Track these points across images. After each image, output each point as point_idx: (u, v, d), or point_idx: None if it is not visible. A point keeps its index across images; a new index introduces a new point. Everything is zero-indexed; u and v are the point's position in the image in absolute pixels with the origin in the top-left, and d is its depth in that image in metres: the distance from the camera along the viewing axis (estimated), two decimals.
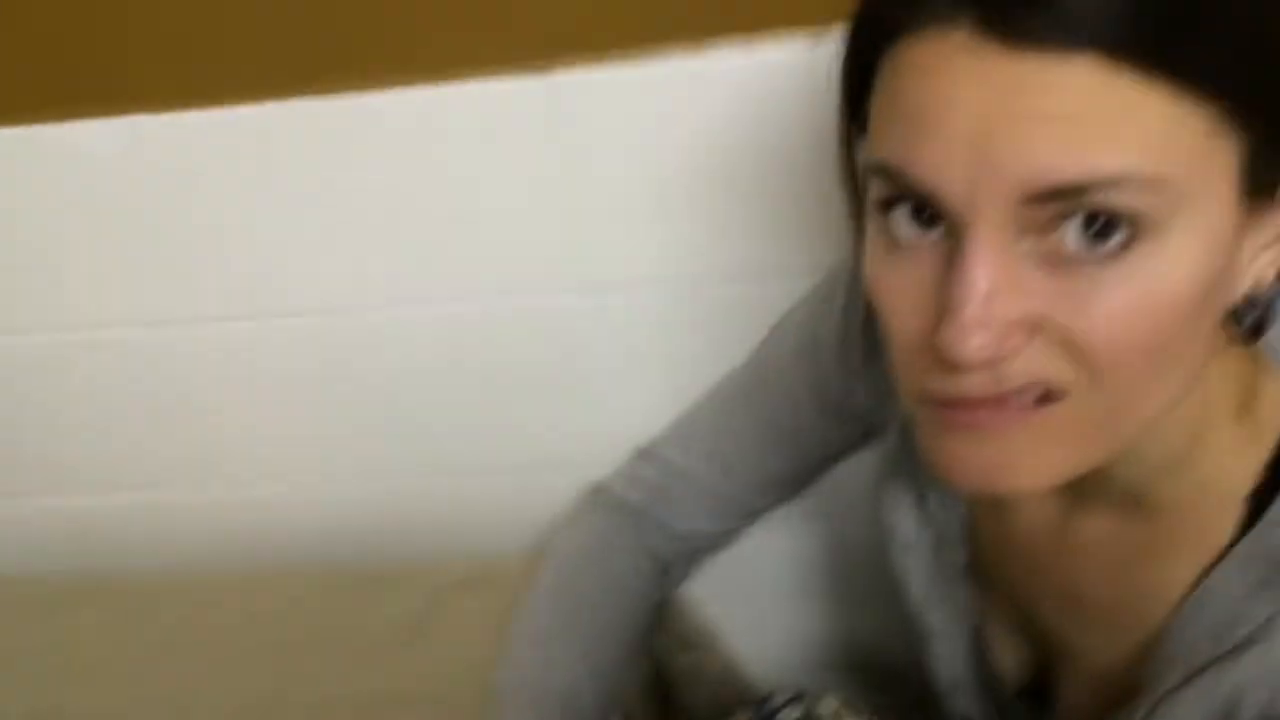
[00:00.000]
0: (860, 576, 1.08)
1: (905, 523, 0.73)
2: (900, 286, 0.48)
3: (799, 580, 1.10)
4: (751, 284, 0.90)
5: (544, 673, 0.77)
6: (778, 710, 0.63)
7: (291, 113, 0.85)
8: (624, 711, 0.81)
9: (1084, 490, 0.60)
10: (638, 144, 0.85)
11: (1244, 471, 0.55)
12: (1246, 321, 0.50)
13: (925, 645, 0.74)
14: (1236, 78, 0.42)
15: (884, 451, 0.75)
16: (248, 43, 0.84)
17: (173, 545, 1.05)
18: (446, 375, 0.97)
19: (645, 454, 0.89)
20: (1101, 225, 0.43)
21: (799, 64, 0.80)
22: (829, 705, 0.63)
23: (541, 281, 0.92)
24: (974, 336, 0.43)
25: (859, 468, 0.97)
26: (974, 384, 0.46)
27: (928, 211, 0.46)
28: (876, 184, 0.48)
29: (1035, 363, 0.45)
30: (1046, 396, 0.46)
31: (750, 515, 0.87)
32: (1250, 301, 0.49)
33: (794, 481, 0.86)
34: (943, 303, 0.45)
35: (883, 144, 0.47)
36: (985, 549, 0.70)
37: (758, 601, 1.10)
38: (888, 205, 0.47)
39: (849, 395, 0.77)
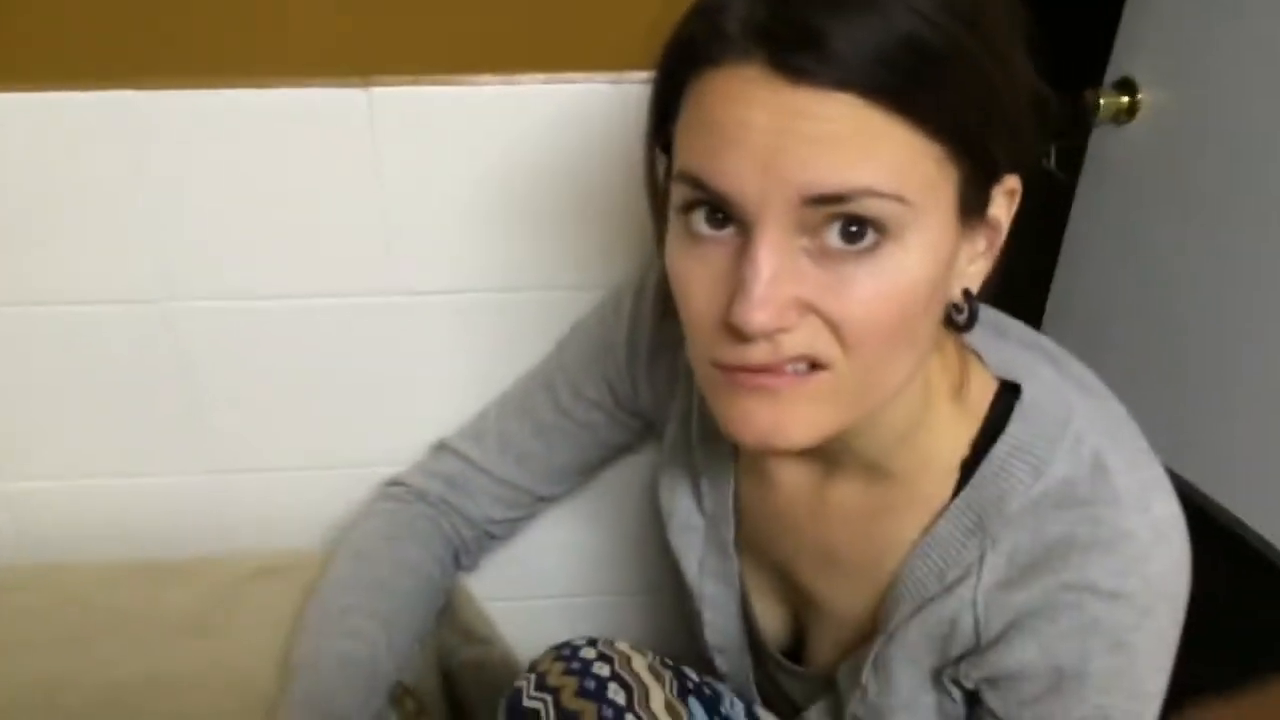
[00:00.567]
0: (627, 573, 1.17)
1: (682, 504, 0.83)
2: (698, 274, 0.57)
3: (572, 579, 1.17)
4: (545, 294, 0.97)
5: (346, 642, 0.81)
6: (579, 648, 0.71)
7: (116, 103, 0.86)
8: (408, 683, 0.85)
9: (834, 461, 0.71)
10: (449, 161, 0.91)
11: (957, 444, 0.68)
12: (961, 316, 0.62)
13: (698, 614, 0.84)
14: (955, 128, 0.54)
15: (664, 443, 0.85)
16: (94, 31, 0.85)
17: None
18: (250, 370, 0.98)
19: (442, 447, 0.95)
20: (857, 229, 0.54)
21: (596, 100, 0.89)
22: (623, 644, 0.71)
23: (349, 284, 0.95)
24: (759, 311, 0.53)
25: (630, 477, 1.08)
26: (758, 353, 0.56)
27: (721, 213, 0.56)
28: (680, 189, 0.57)
29: (805, 337, 0.56)
30: (814, 365, 0.57)
31: (539, 502, 0.95)
32: (965, 299, 0.62)
33: (580, 472, 0.94)
34: (734, 286, 0.55)
35: (688, 157, 0.56)
36: (751, 523, 0.80)
37: (536, 599, 1.17)
38: (689, 208, 0.57)
39: (634, 394, 0.87)
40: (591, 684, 0.68)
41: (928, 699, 0.70)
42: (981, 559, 0.65)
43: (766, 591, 0.82)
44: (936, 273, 0.57)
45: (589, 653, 0.70)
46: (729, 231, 0.56)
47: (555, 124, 0.90)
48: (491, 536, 0.96)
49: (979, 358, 0.70)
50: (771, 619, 0.83)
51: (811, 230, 0.54)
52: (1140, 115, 1.26)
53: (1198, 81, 1.18)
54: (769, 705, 0.85)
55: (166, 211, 0.91)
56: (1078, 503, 0.63)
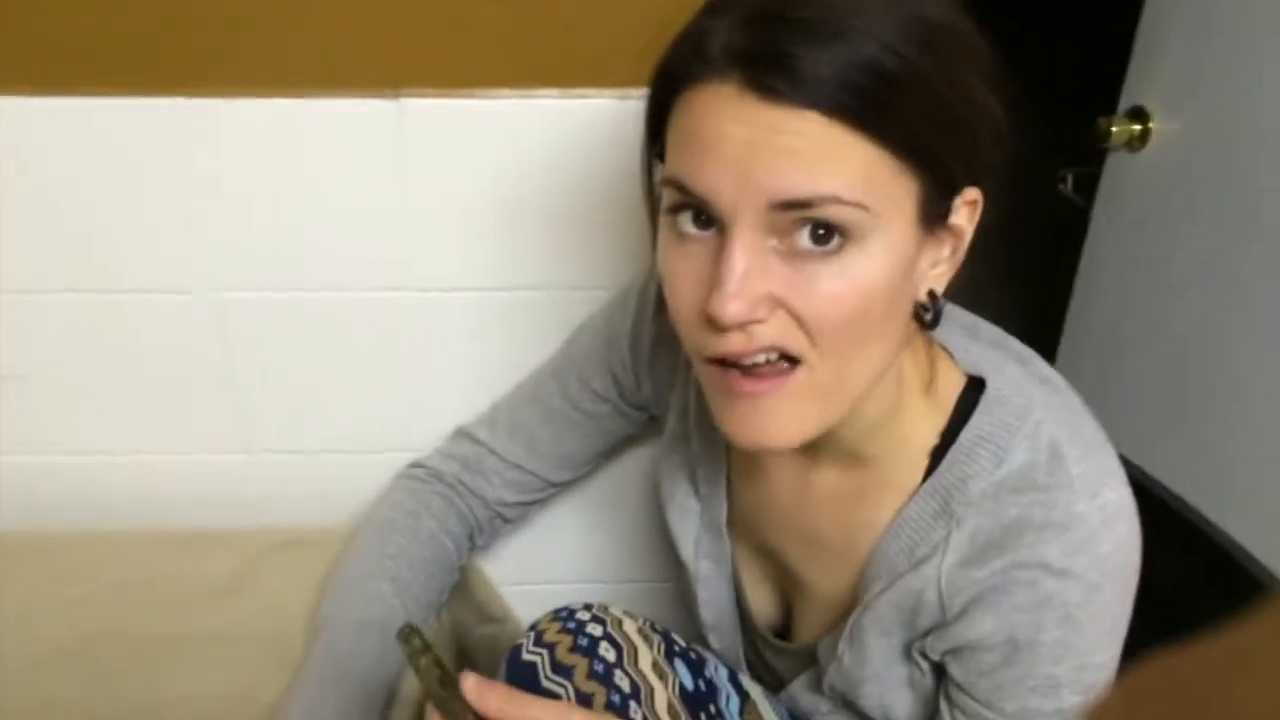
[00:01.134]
0: (636, 562, 1.24)
1: (680, 489, 0.89)
2: (683, 270, 0.64)
3: (584, 566, 1.24)
4: (556, 293, 1.04)
5: (365, 605, 0.88)
6: (575, 610, 0.77)
7: (165, 109, 0.94)
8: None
9: (816, 450, 0.77)
10: (469, 168, 0.98)
11: (928, 433, 0.73)
12: (927, 316, 0.68)
13: (693, 592, 0.90)
14: (913, 145, 0.60)
15: (664, 433, 0.91)
16: (147, 44, 0.92)
17: (32, 502, 1.11)
18: (282, 357, 1.05)
19: (460, 433, 1.02)
20: (823, 232, 0.60)
21: (605, 114, 0.96)
22: (616, 609, 0.77)
23: (376, 280, 1.02)
24: (732, 303, 0.60)
25: (640, 471, 1.14)
26: (733, 342, 0.62)
27: (704, 216, 0.62)
28: (669, 193, 0.64)
29: (775, 330, 0.62)
30: (786, 357, 0.63)
31: (549, 487, 1.01)
32: (930, 299, 0.68)
33: (587, 460, 1.01)
34: (712, 281, 0.61)
35: (675, 164, 0.63)
36: (743, 508, 0.86)
37: (548, 584, 1.23)
38: (676, 210, 0.63)
39: (637, 387, 0.93)
40: (584, 641, 0.74)
41: (899, 671, 0.76)
42: (947, 538, 0.71)
43: (757, 573, 0.88)
44: (897, 274, 0.63)
45: (584, 615, 0.76)
46: (711, 232, 0.62)
47: (568, 135, 0.96)
48: (504, 519, 1.02)
49: (949, 355, 0.75)
50: (761, 599, 0.89)
51: (781, 232, 0.60)
52: (1152, 143, 1.29)
53: (1209, 110, 1.21)
54: (757, 680, 0.91)
55: (208, 209, 0.98)
56: (1035, 488, 0.68)
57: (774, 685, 0.88)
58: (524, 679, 0.72)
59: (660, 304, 0.87)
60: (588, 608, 0.77)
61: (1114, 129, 1.31)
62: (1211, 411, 1.22)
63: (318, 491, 1.11)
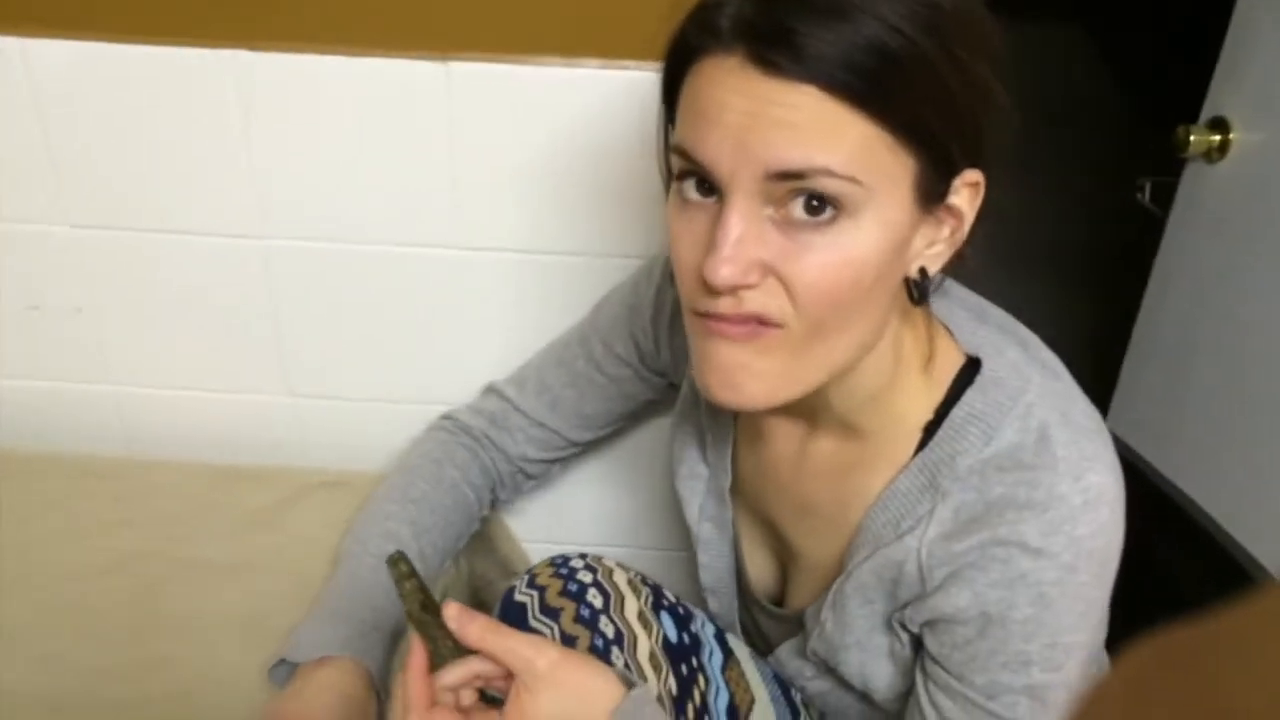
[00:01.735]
0: (651, 529, 1.27)
1: (689, 455, 0.92)
2: (686, 232, 0.66)
3: (603, 530, 1.27)
4: (591, 260, 1.08)
5: (383, 542, 0.92)
6: (569, 558, 0.80)
7: (228, 61, 1.00)
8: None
9: (815, 421, 0.79)
10: (513, 133, 1.02)
11: (923, 409, 0.75)
12: (917, 293, 0.70)
13: (696, 554, 0.93)
14: (911, 124, 0.61)
15: (678, 400, 0.94)
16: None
17: (89, 430, 1.18)
18: (328, 306, 1.11)
19: (490, 390, 1.06)
20: (817, 203, 0.62)
21: (646, 85, 0.96)
22: (609, 560, 0.81)
23: (419, 235, 1.07)
24: (724, 267, 0.62)
25: (653, 447, 1.17)
26: (724, 304, 0.64)
27: (707, 184, 0.65)
28: (676, 160, 0.66)
29: (764, 296, 0.64)
30: (770, 323, 0.65)
31: (570, 447, 1.04)
32: (921, 276, 0.69)
33: (608, 422, 1.04)
34: (709, 244, 0.64)
35: (682, 133, 0.65)
36: (746, 478, 0.88)
37: (568, 545, 1.26)
38: (682, 176, 0.66)
39: (656, 353, 0.96)
40: (574, 587, 0.77)
41: (880, 640, 0.78)
42: (931, 512, 0.72)
43: (757, 540, 0.91)
44: (889, 250, 0.64)
45: (577, 563, 0.80)
46: (713, 199, 0.65)
47: (609, 105, 0.99)
48: (527, 475, 1.06)
49: (951, 334, 0.77)
50: (760, 566, 0.91)
51: (777, 202, 0.63)
52: (1232, 154, 1.28)
53: None
54: (751, 645, 0.93)
55: (268, 159, 1.04)
56: (1021, 467, 0.69)
57: (765, 651, 0.90)
58: (514, 618, 0.76)
59: None
60: (582, 557, 0.80)
61: (1193, 138, 1.30)
62: (1275, 426, 1.21)
63: (354, 438, 1.16)
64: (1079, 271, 2.12)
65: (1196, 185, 1.35)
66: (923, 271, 0.69)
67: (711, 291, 0.64)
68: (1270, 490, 1.16)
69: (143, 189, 1.06)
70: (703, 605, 0.94)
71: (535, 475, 1.07)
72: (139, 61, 1.00)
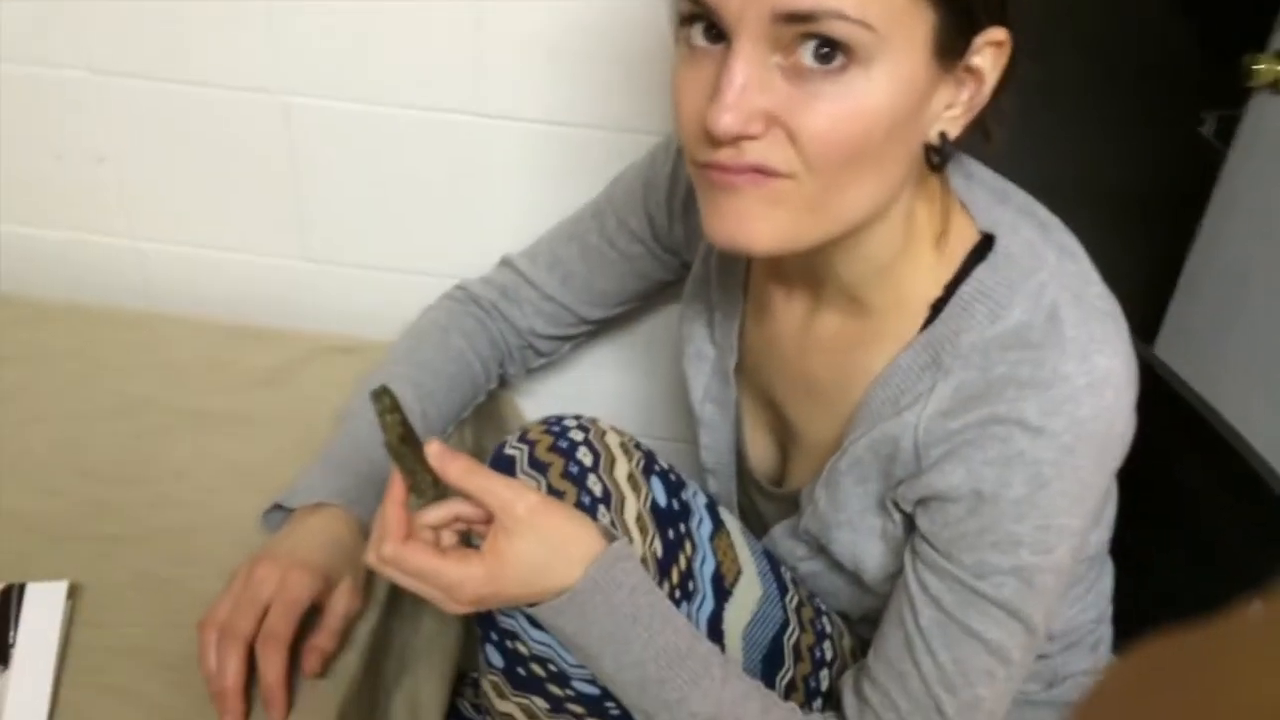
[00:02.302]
0: (661, 418, 1.27)
1: (697, 334, 0.91)
2: (690, 80, 0.64)
3: (615, 416, 1.26)
4: (611, 134, 1.05)
5: None
6: (563, 418, 0.80)
7: None
8: None
9: (822, 294, 0.77)
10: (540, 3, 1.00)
11: (931, 285, 0.73)
12: (935, 158, 0.68)
13: (698, 435, 0.92)
14: None
15: (689, 278, 0.93)
16: None
17: (106, 280, 1.19)
18: (347, 170, 1.10)
19: (504, 262, 1.05)
20: (827, 50, 0.60)
21: None
22: (604, 422, 0.80)
23: (442, 100, 1.05)
24: (726, 115, 0.60)
25: (667, 334, 1.16)
26: (725, 155, 0.62)
27: (715, 30, 0.63)
28: (682, 2, 0.64)
29: (768, 147, 0.62)
30: (774, 173, 0.63)
31: (580, 324, 1.03)
32: (940, 140, 0.67)
33: (619, 300, 1.02)
34: (713, 92, 0.62)
35: None
36: (751, 354, 0.87)
37: None
38: (688, 21, 0.64)
39: (670, 229, 0.94)
40: (564, 444, 0.77)
41: (873, 521, 0.77)
42: (932, 389, 0.71)
43: (758, 422, 0.90)
44: (903, 105, 0.62)
45: (570, 422, 0.79)
46: (720, 46, 0.63)
47: None
48: (535, 351, 1.05)
49: (968, 213, 0.74)
50: (760, 447, 0.90)
51: (785, 48, 0.60)
52: None
53: None
54: (749, 527, 0.93)
55: (288, 10, 1.02)
56: (1026, 345, 0.68)
57: (760, 534, 0.90)
58: (502, 470, 0.75)
59: None
60: (576, 418, 0.80)
61: (1259, 67, 1.24)
62: None
63: (366, 305, 1.16)
64: (1139, 201, 2.06)
65: (1261, 117, 1.30)
66: (943, 136, 0.67)
67: (714, 142, 0.62)
68: None
69: (159, 32, 1.05)
70: (703, 486, 0.93)
71: (545, 352, 1.06)
72: None
